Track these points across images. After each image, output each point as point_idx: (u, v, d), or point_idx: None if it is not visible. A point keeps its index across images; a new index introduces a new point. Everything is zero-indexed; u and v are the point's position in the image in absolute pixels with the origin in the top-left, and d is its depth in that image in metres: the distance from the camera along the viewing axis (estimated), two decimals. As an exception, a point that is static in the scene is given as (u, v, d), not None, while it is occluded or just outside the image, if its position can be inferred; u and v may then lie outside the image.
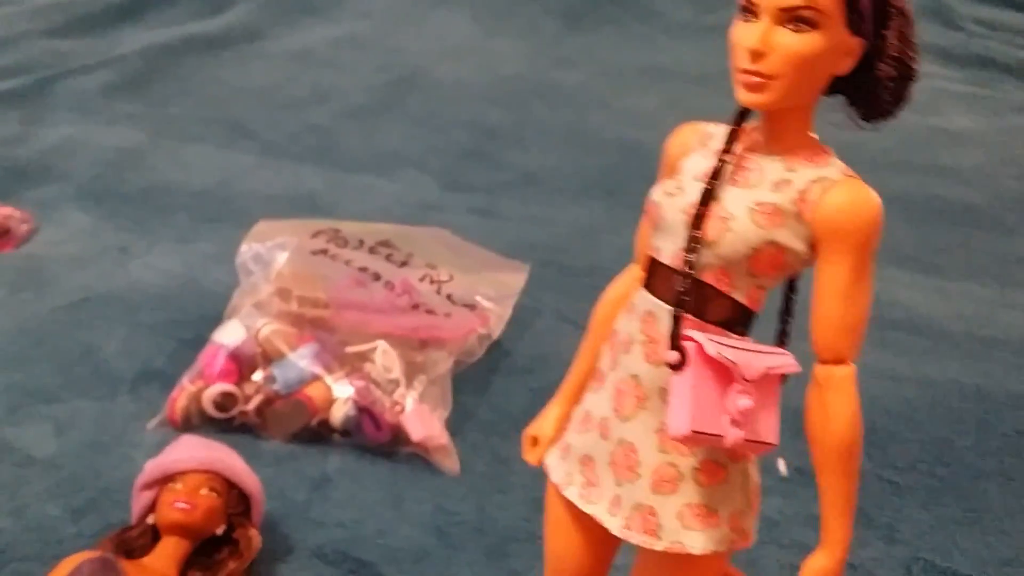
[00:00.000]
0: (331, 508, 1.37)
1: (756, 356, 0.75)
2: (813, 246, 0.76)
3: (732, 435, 0.74)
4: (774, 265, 0.76)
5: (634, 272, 0.87)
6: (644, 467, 0.79)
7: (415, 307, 1.64)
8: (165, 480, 1.21)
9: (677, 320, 0.75)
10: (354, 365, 1.54)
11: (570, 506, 0.86)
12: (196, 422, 1.48)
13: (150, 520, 1.20)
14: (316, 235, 1.73)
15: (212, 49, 3.15)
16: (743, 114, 0.79)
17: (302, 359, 1.53)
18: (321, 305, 1.60)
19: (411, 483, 1.42)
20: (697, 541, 0.80)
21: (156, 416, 1.50)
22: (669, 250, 0.78)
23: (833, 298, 0.75)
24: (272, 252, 1.69)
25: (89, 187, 2.29)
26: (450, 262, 1.73)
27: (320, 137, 2.66)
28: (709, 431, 0.74)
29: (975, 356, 1.82)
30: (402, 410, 1.48)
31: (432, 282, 1.68)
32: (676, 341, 0.75)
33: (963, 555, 1.34)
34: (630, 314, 0.81)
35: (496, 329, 1.67)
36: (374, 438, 1.47)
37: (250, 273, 1.69)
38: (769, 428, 0.76)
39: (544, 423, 0.91)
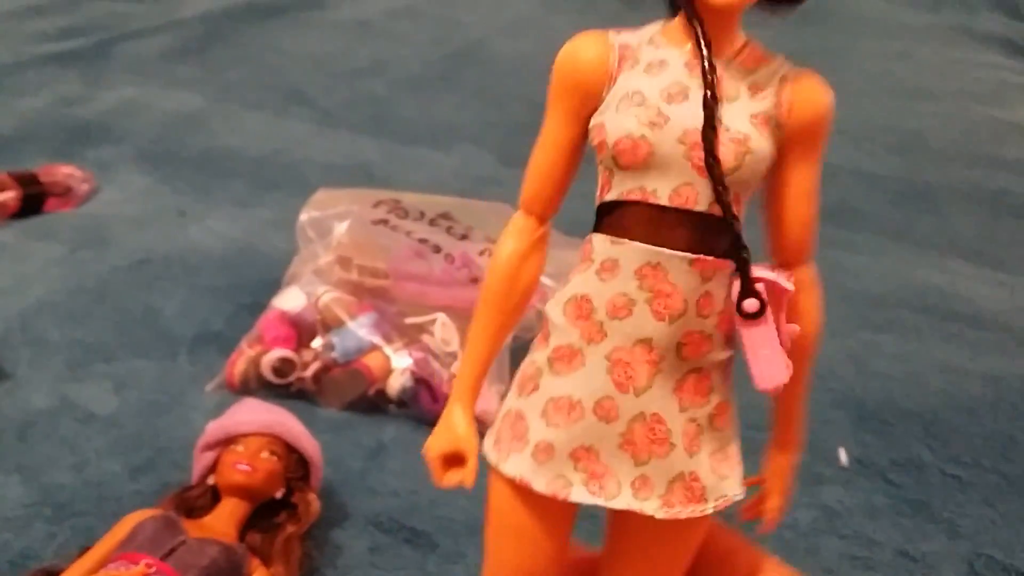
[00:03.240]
0: (387, 477, 1.36)
1: (775, 273, 0.70)
2: (780, 148, 0.70)
3: (789, 363, 0.70)
4: (765, 176, 0.71)
5: (527, 224, 0.75)
6: (675, 434, 0.71)
7: (474, 280, 1.62)
8: (227, 442, 1.21)
9: (745, 265, 0.67)
10: (412, 336, 1.53)
11: (536, 509, 0.74)
12: (254, 386, 1.48)
13: (211, 481, 1.20)
14: (377, 205, 1.72)
15: (271, 17, 3.15)
16: (695, 18, 0.70)
17: (361, 328, 1.52)
18: (381, 275, 1.59)
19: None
20: (734, 486, 0.74)
21: (214, 378, 1.51)
22: (666, 190, 0.68)
23: (805, 198, 0.71)
24: (332, 220, 1.68)
25: (148, 149, 2.30)
26: (509, 237, 1.71)
27: (377, 108, 2.66)
28: (789, 368, 0.69)
29: (1041, 353, 1.78)
30: (459, 383, 1.47)
31: (491, 256, 1.66)
32: (751, 287, 0.67)
33: (1028, 554, 1.32)
34: (608, 273, 0.70)
35: (554, 305, 1.65)
36: (430, 410, 1.46)
37: (309, 240, 1.69)
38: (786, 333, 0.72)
39: (457, 431, 0.76)
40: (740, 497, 0.75)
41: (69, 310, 1.67)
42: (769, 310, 0.67)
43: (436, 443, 0.75)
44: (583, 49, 0.71)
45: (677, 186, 0.68)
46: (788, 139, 0.69)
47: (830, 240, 2.09)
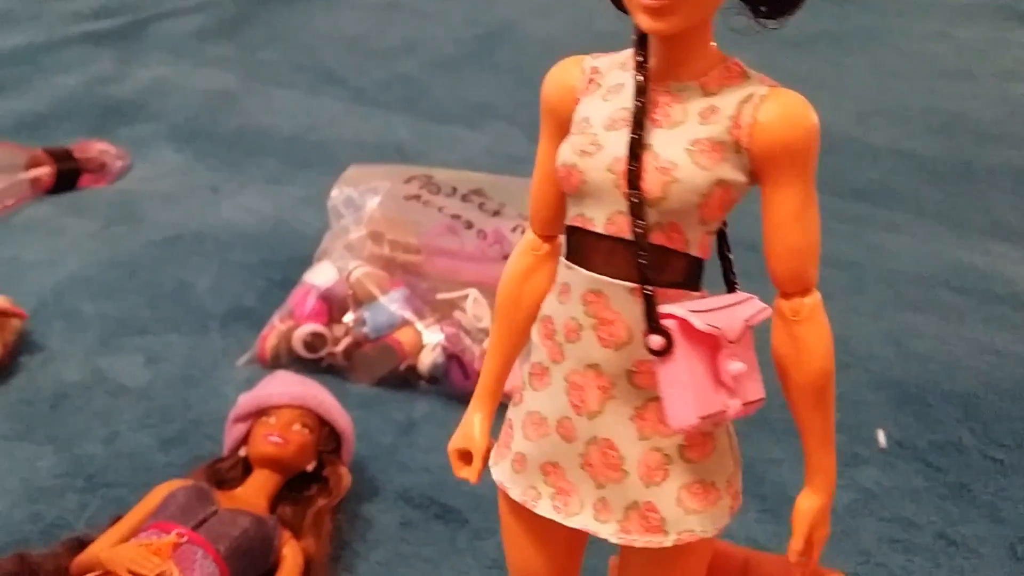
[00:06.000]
0: (417, 453, 1.35)
1: (728, 311, 0.66)
2: (753, 174, 0.66)
3: (732, 406, 0.65)
4: (723, 206, 0.66)
5: (532, 242, 0.75)
6: (628, 461, 0.69)
7: (506, 257, 1.61)
8: (259, 414, 1.21)
9: (650, 299, 0.64)
10: (444, 312, 1.52)
11: (532, 518, 0.74)
12: (285, 361, 1.48)
13: (242, 452, 1.20)
14: (409, 181, 1.71)
15: (304, -4, 3.15)
16: (643, 40, 0.66)
17: (393, 303, 1.51)
18: (413, 250, 1.58)
19: (497, 432, 1.40)
20: (705, 522, 0.70)
21: (246, 353, 1.50)
22: (601, 218, 0.67)
23: (790, 224, 0.66)
24: (364, 196, 1.67)
25: (182, 127, 2.31)
26: (542, 214, 1.69)
27: (409, 87, 2.65)
28: (712, 411, 0.65)
29: (1085, 336, 1.74)
30: (491, 359, 1.46)
31: (523, 233, 1.65)
32: (656, 323, 0.64)
33: (1072, 538, 1.29)
34: (564, 296, 0.69)
35: (586, 283, 1.63)
36: (461, 386, 1.45)
37: (341, 216, 1.68)
38: (757, 383, 0.67)
39: (471, 433, 0.78)
40: (709, 535, 0.71)
41: (102, 284, 1.67)
42: (680, 349, 0.64)
43: (452, 441, 0.80)
44: (557, 74, 0.71)
45: (610, 214, 0.66)
46: (757, 163, 0.65)
47: (869, 220, 2.09)
